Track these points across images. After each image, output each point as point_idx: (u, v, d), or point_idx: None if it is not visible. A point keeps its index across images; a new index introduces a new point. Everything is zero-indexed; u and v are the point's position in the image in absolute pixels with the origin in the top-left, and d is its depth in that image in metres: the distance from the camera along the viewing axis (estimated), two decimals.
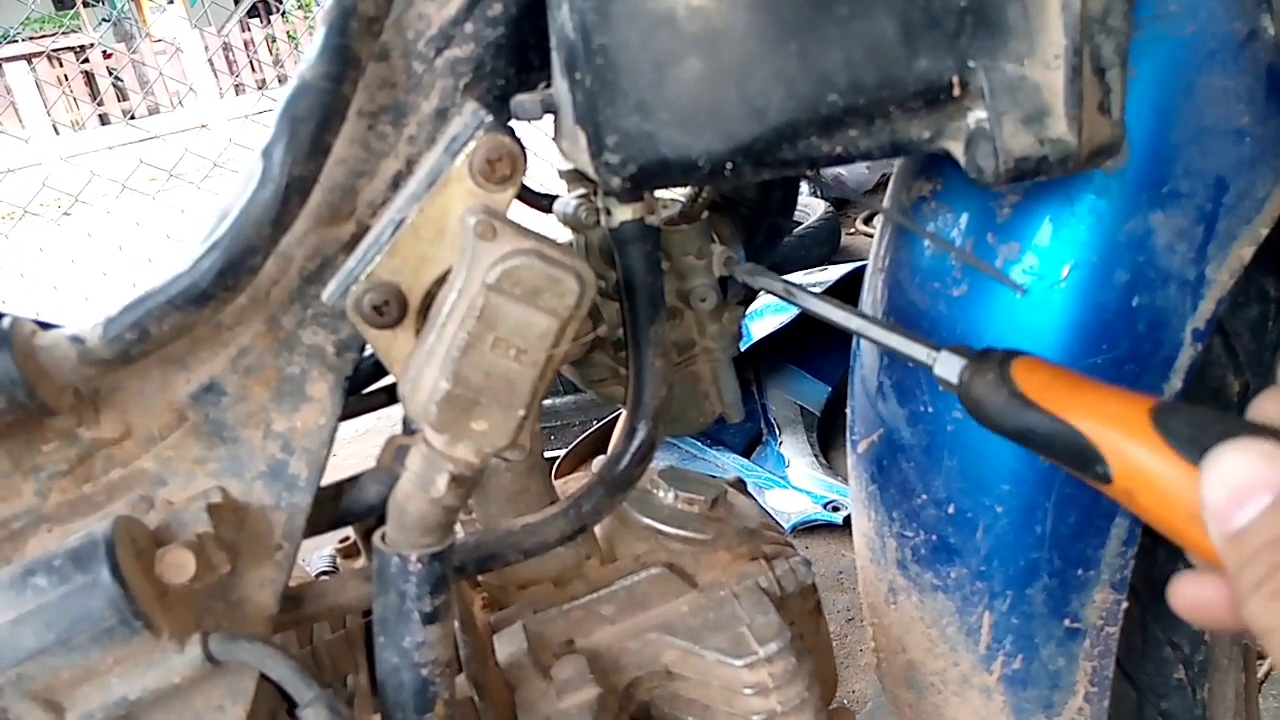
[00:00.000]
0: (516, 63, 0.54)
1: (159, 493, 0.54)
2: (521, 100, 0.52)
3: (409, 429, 0.55)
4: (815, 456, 2.04)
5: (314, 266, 0.53)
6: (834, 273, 2.31)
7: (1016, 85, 0.45)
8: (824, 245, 3.09)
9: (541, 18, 0.51)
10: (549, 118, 0.53)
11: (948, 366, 0.50)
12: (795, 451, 2.07)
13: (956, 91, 0.46)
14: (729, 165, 0.47)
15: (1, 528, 0.52)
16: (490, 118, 0.49)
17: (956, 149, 0.48)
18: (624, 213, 0.55)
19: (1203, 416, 0.38)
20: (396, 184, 0.53)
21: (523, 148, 0.50)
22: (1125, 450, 0.40)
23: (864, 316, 0.56)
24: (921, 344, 0.52)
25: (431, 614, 0.50)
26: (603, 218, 0.56)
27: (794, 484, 1.98)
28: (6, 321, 0.48)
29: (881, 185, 3.80)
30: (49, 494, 0.53)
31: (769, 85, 0.45)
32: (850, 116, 0.46)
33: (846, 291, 2.18)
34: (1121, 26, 0.45)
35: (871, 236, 3.48)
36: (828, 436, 2.15)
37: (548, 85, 0.54)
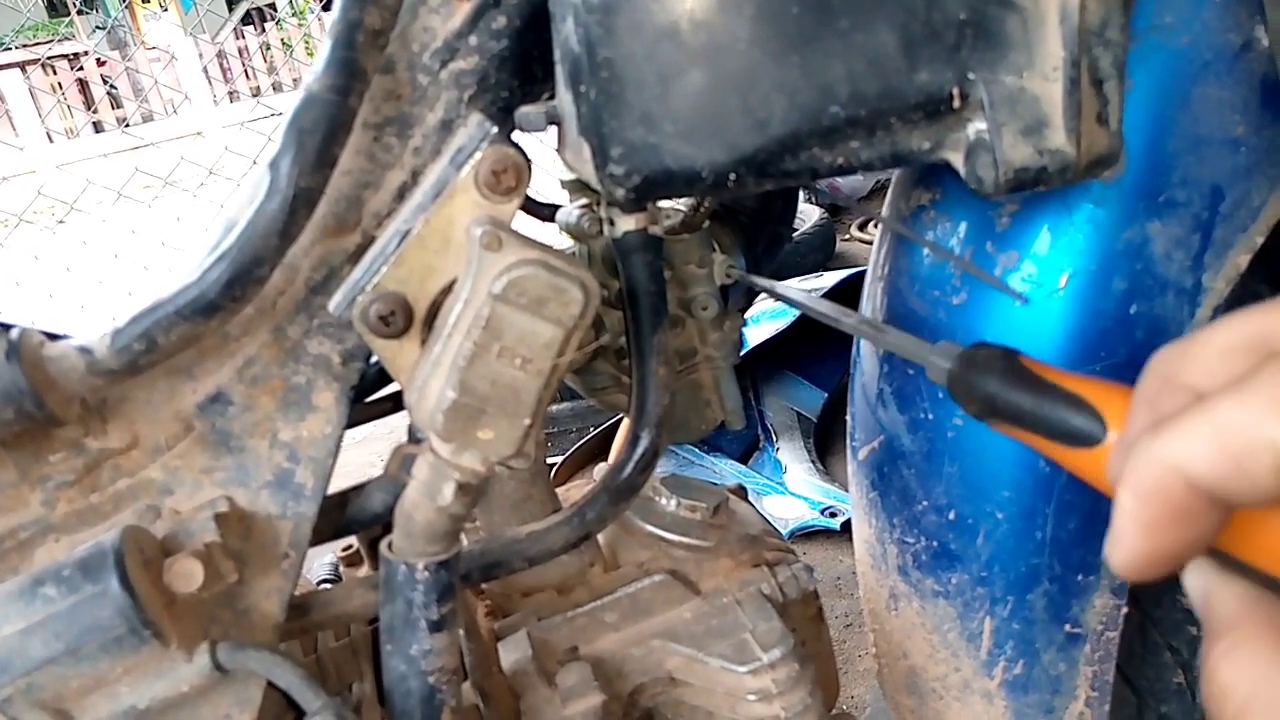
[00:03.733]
0: (520, 75, 0.54)
1: (166, 502, 0.54)
2: (526, 112, 0.52)
3: (415, 438, 0.56)
4: (812, 462, 2.05)
5: (320, 277, 0.54)
6: (829, 279, 2.32)
7: (1015, 97, 0.46)
8: (819, 251, 3.10)
9: (544, 30, 0.51)
10: (550, 128, 0.53)
11: (941, 358, 0.50)
12: (792, 458, 2.07)
13: (956, 103, 0.46)
14: (732, 176, 0.47)
15: (9, 538, 0.52)
16: (495, 129, 0.50)
17: (956, 160, 0.48)
18: (627, 223, 0.55)
19: None
20: (402, 195, 0.53)
21: (527, 159, 0.50)
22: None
23: (860, 318, 0.56)
24: (917, 340, 0.53)
25: (438, 622, 0.50)
26: (606, 228, 0.57)
27: (791, 490, 1.98)
28: (15, 332, 0.48)
29: (876, 191, 3.82)
30: (56, 504, 0.53)
31: (772, 97, 0.46)
32: (852, 128, 0.46)
33: (842, 297, 2.18)
34: (1119, 39, 0.46)
35: (866, 243, 3.50)
36: (824, 443, 2.15)
37: (550, 97, 0.54)
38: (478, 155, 0.49)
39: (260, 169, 0.49)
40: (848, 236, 3.62)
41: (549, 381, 0.49)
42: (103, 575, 0.46)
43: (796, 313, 2.06)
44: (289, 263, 0.53)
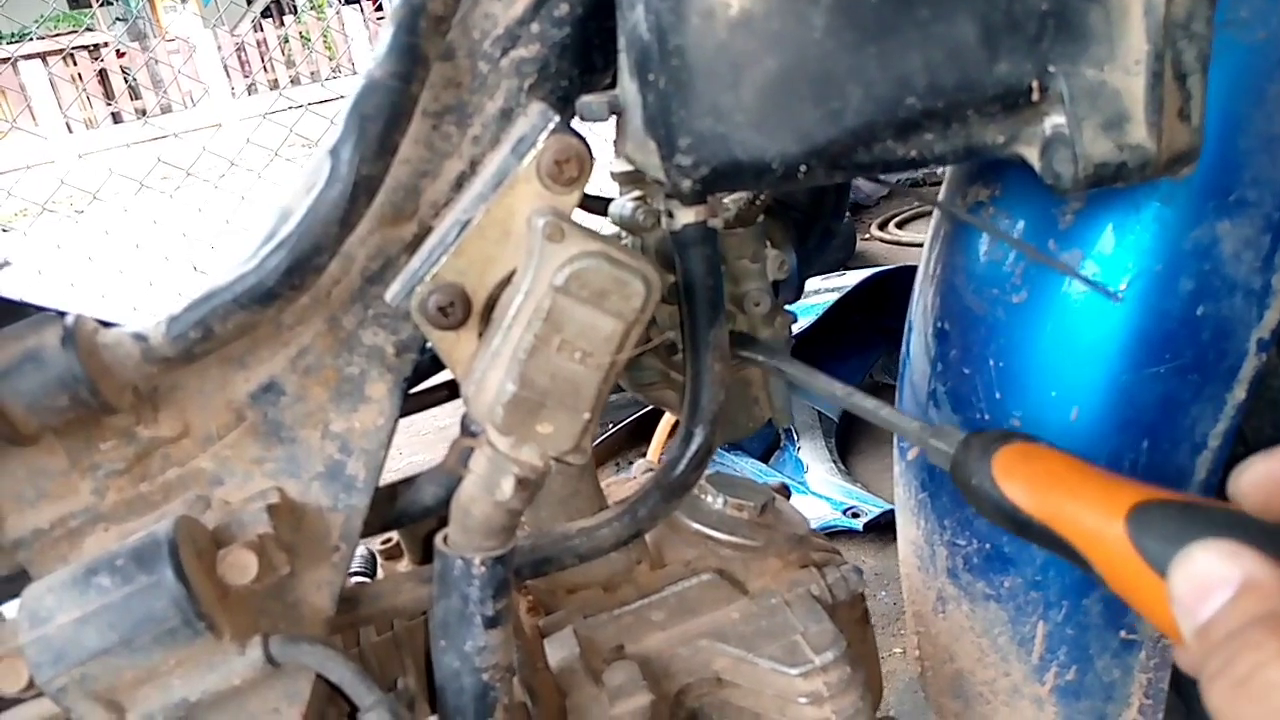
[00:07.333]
0: (581, 64, 0.53)
1: (216, 492, 0.54)
2: (588, 101, 0.51)
3: (469, 431, 0.55)
4: (834, 462, 2.04)
5: (376, 267, 0.53)
6: (851, 278, 2.30)
7: (1096, 90, 0.45)
8: (839, 250, 3.09)
9: (606, 19, 0.50)
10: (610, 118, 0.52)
11: (939, 446, 0.52)
12: (814, 457, 2.06)
13: (1035, 96, 0.45)
14: (803, 168, 0.46)
15: (59, 526, 0.52)
16: (558, 118, 0.49)
17: (1031, 154, 0.47)
18: (687, 215, 0.54)
19: (1178, 519, 0.38)
20: (459, 184, 0.53)
21: (590, 149, 0.49)
22: (1105, 560, 0.41)
23: (854, 391, 0.59)
24: (912, 422, 0.54)
25: (493, 617, 0.49)
26: (664, 220, 0.56)
27: (813, 489, 1.97)
28: (70, 319, 0.48)
29: (895, 193, 3.80)
30: (106, 492, 0.52)
31: (847, 87, 0.45)
32: (927, 120, 0.45)
33: (865, 297, 2.17)
34: (1204, 32, 0.45)
35: (886, 242, 3.46)
36: (846, 442, 2.14)
37: (610, 86, 0.54)
38: (540, 144, 0.48)
39: (317, 155, 0.49)
40: (867, 235, 3.60)
41: (608, 376, 0.48)
42: (157, 566, 0.45)
43: (820, 312, 2.05)
44: (345, 252, 0.52)
